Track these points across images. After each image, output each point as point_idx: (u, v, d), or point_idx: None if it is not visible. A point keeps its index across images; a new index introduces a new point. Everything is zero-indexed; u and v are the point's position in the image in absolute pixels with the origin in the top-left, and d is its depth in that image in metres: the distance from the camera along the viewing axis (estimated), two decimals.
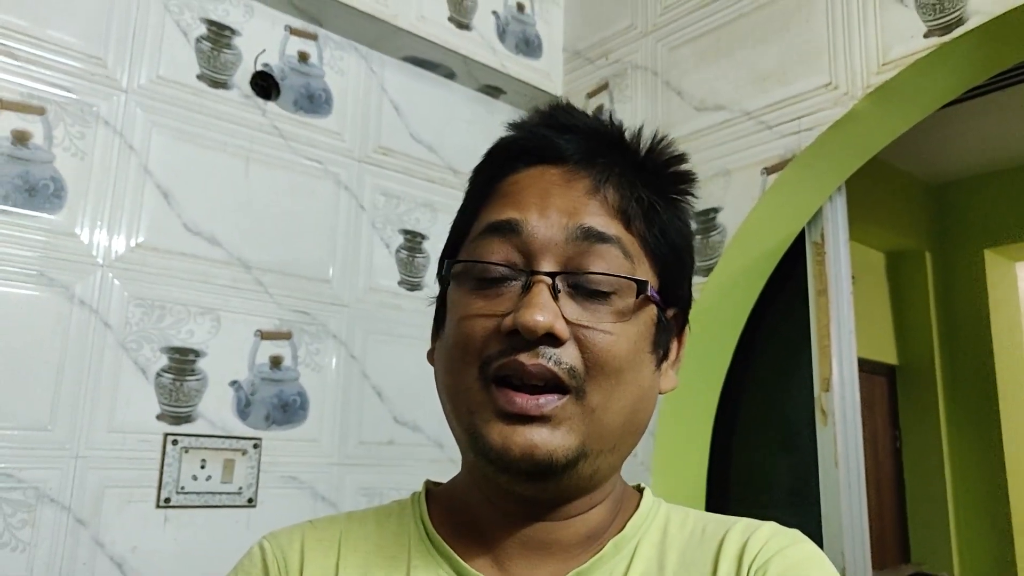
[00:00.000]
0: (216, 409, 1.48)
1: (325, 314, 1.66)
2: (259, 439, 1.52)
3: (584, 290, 0.52)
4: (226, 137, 1.57)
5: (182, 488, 1.41)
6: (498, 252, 0.54)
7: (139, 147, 1.47)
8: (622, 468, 0.61)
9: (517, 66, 1.98)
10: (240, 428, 1.51)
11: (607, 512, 0.58)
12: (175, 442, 1.42)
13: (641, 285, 0.53)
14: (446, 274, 0.57)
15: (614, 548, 0.56)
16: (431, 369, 0.60)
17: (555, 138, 0.56)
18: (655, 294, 0.55)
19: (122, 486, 1.36)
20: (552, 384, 0.51)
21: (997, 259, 3.64)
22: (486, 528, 0.57)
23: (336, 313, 1.68)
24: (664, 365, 0.59)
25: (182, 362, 1.45)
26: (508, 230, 0.54)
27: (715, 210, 1.64)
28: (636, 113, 1.85)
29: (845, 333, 1.68)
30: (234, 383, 1.51)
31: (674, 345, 0.60)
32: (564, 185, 0.55)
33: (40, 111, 1.37)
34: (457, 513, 0.59)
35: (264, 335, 1.56)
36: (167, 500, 1.40)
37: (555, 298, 0.51)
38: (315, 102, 1.72)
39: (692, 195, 0.60)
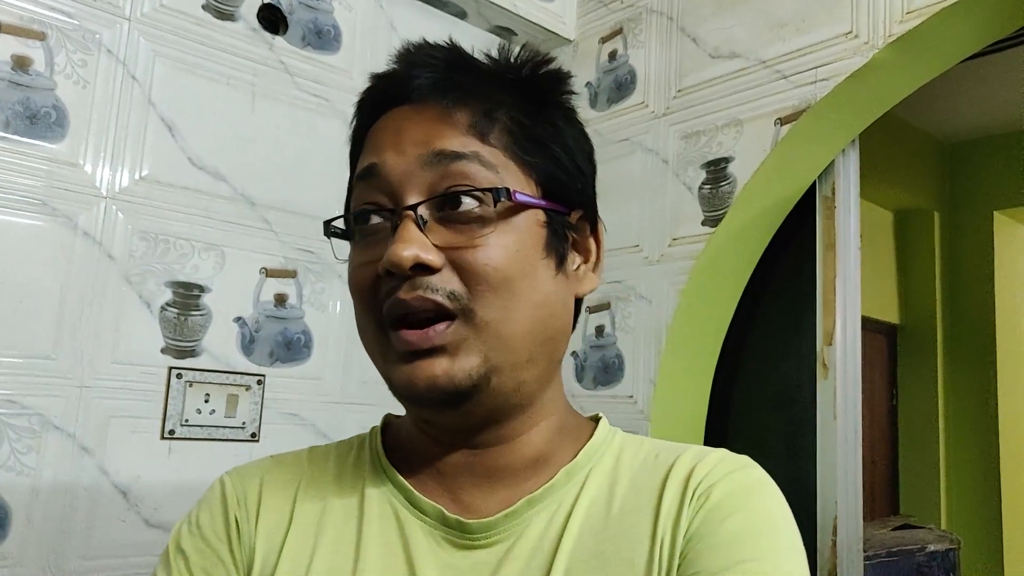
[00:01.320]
0: (220, 344, 1.49)
1: (330, 253, 1.65)
2: (263, 375, 1.53)
3: (451, 212, 0.52)
4: (232, 71, 1.54)
5: (186, 421, 1.43)
6: (367, 199, 0.55)
7: (142, 77, 1.44)
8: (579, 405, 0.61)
9: (529, 7, 1.93)
10: (244, 364, 1.51)
11: (551, 434, 0.59)
12: (179, 376, 1.42)
13: (497, 191, 0.52)
14: (329, 236, 0.59)
15: (566, 476, 0.57)
16: None
17: (407, 78, 0.56)
18: (528, 197, 0.54)
19: (127, 416, 1.37)
20: (440, 313, 0.52)
21: (1006, 221, 3.62)
22: (435, 459, 0.58)
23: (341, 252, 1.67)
24: (582, 268, 0.60)
25: (187, 297, 1.45)
26: (370, 175, 0.54)
27: (726, 160, 1.62)
28: (650, 59, 1.81)
29: (851, 288, 1.68)
30: (238, 319, 1.51)
31: (591, 246, 0.61)
32: (416, 118, 0.55)
33: (41, 36, 1.34)
34: (409, 445, 0.60)
35: (269, 272, 1.55)
36: (171, 432, 1.41)
37: (423, 229, 0.52)
38: (323, 38, 1.69)
39: (567, 92, 0.60)
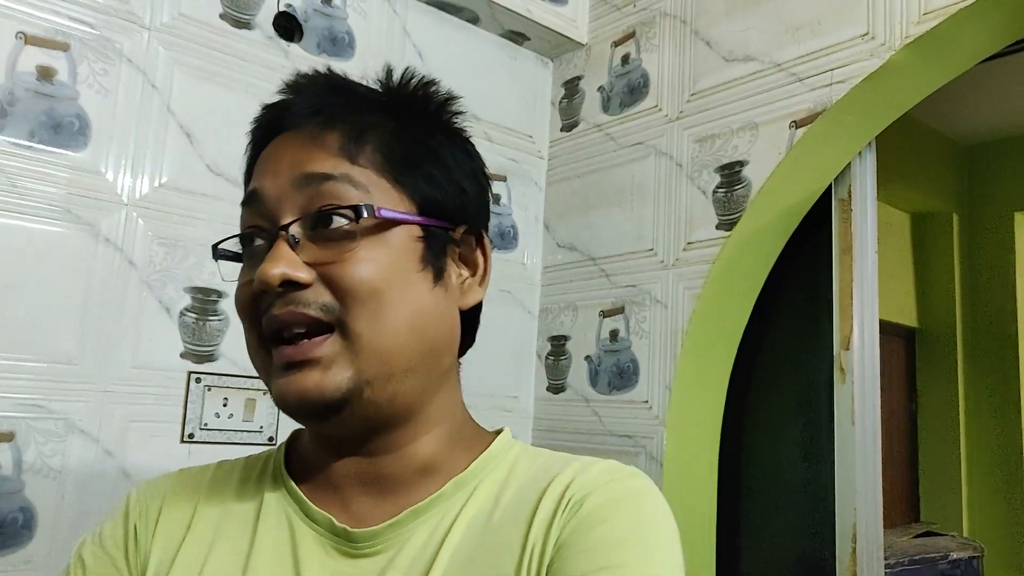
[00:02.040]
0: (238, 349, 1.50)
1: None
2: None
3: (322, 231, 0.54)
4: (249, 78, 1.56)
5: (205, 424, 1.44)
6: (249, 223, 0.58)
7: (162, 86, 1.46)
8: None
9: (542, 11, 1.94)
10: None
11: (440, 444, 0.60)
12: (198, 380, 1.44)
13: (359, 208, 0.54)
14: (216, 260, 0.61)
15: (454, 486, 0.58)
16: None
17: (285, 106, 0.60)
18: (397, 213, 0.56)
19: (147, 420, 1.39)
20: (315, 327, 0.53)
21: None
22: (328, 470, 0.60)
23: None
24: (468, 281, 0.62)
25: (205, 302, 1.47)
26: (251, 201, 0.57)
27: (740, 164, 1.62)
28: (663, 63, 1.82)
29: (868, 292, 1.67)
30: None
31: (478, 260, 0.62)
32: (291, 143, 0.57)
33: (64, 47, 1.36)
34: (307, 456, 0.62)
35: None
36: (191, 435, 1.43)
37: (295, 247, 0.54)
38: (338, 45, 1.70)
39: (451, 114, 0.63)
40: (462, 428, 0.63)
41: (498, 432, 0.65)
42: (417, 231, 0.57)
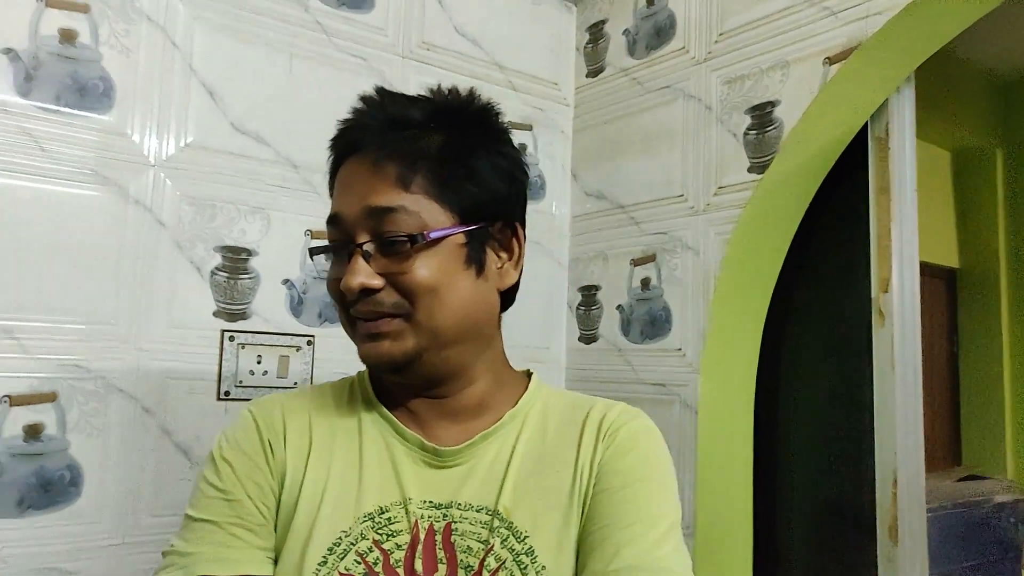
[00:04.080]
0: (270, 307, 1.52)
1: None
2: (312, 336, 1.56)
3: (386, 247, 0.71)
4: (268, 33, 1.55)
5: (240, 382, 1.47)
6: (333, 236, 0.76)
7: (182, 44, 1.46)
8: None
9: None
10: (294, 325, 1.54)
11: (489, 387, 0.80)
12: (232, 338, 1.46)
13: (414, 237, 0.71)
14: (312, 257, 0.80)
15: (510, 417, 0.79)
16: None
17: (356, 135, 0.76)
18: (443, 231, 0.72)
19: (184, 378, 1.42)
20: (389, 313, 0.72)
21: None
22: (407, 400, 0.79)
23: None
24: (506, 265, 0.79)
25: (235, 260, 1.48)
26: (334, 222, 0.75)
27: (772, 104, 1.57)
28: (690, 3, 1.76)
29: (908, 233, 1.62)
30: (286, 282, 1.54)
31: (513, 246, 0.79)
32: (359, 172, 0.74)
33: (85, 8, 1.36)
34: (392, 393, 0.80)
35: (315, 235, 1.57)
36: (227, 393, 1.45)
37: (368, 259, 0.71)
38: None
39: (492, 125, 0.79)
40: (503, 374, 0.82)
41: (526, 373, 0.86)
42: (461, 238, 0.74)
